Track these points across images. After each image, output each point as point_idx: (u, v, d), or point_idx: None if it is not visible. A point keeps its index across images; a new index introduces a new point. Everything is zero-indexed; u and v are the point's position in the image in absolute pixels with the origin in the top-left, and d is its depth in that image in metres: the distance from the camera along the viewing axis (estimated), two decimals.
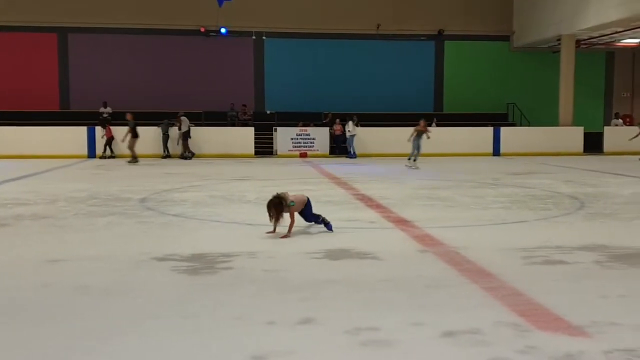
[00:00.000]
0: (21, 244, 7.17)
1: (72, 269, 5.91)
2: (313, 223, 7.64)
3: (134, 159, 20.21)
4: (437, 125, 24.70)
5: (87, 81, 26.54)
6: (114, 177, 15.08)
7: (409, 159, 18.26)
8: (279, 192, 7.27)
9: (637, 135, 21.33)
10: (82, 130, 22.72)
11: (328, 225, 7.59)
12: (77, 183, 13.65)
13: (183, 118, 22.20)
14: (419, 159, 18.58)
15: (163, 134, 22.62)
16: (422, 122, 18.58)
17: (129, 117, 20.61)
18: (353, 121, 23.24)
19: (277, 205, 7.09)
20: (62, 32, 26.67)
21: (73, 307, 4.70)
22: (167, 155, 22.62)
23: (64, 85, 26.89)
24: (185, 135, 22.14)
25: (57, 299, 4.92)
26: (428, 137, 18.64)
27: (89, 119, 24.18)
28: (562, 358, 3.63)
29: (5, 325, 4.31)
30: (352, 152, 23.01)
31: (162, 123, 22.67)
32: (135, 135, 20.39)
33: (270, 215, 7.14)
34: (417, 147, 18.18)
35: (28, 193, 11.76)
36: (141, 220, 8.65)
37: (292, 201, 7.22)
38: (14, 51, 26.30)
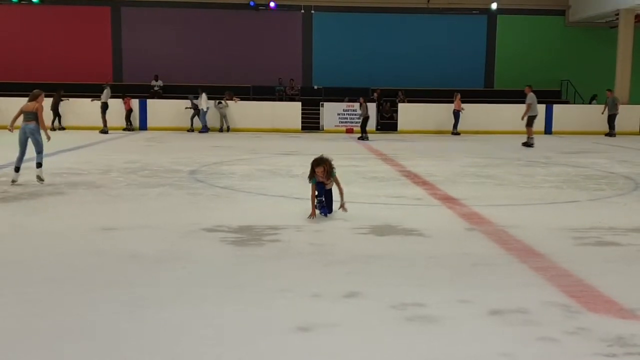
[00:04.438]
0: (76, 212, 7.41)
1: (124, 238, 6.08)
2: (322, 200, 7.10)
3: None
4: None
5: (139, 54, 26.96)
6: (165, 149, 15.36)
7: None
8: (325, 156, 6.95)
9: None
10: (134, 103, 23.13)
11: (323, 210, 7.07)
12: (129, 154, 13.97)
13: (106, 90, 21.66)
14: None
15: (193, 108, 22.63)
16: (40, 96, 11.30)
17: None
18: (206, 95, 22.30)
19: (329, 165, 6.81)
20: (115, 6, 27.10)
21: (124, 275, 4.85)
22: (192, 130, 22.57)
23: (117, 58, 27.39)
24: (104, 107, 21.49)
25: (109, 267, 5.08)
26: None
27: (141, 92, 24.62)
28: (613, 340, 3.56)
29: (59, 290, 4.48)
30: (205, 127, 22.19)
31: (188, 97, 22.68)
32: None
33: (316, 171, 6.75)
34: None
35: (82, 163, 12.11)
36: (191, 192, 8.81)
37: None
38: (68, 24, 26.89)
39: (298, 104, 23.97)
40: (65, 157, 13.49)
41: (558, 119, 23.51)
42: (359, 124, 20.37)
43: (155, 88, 25.51)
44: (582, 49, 28.10)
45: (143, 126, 23.08)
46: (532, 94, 17.94)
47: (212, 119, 22.94)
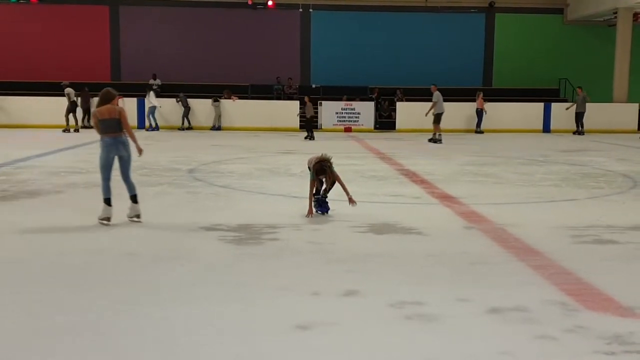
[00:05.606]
0: (75, 211, 7.40)
1: (123, 236, 6.08)
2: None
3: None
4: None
5: (137, 53, 26.90)
6: (163, 148, 15.34)
7: None
8: (325, 154, 6.97)
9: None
10: (132, 102, 23.10)
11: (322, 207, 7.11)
12: None
13: (68, 89, 21.25)
14: None
15: (184, 107, 22.57)
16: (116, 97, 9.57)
17: None
18: (154, 92, 22.31)
19: (330, 167, 6.82)
20: (114, 5, 27.05)
21: (123, 274, 4.85)
22: (189, 128, 22.58)
23: (115, 57, 27.33)
24: (72, 106, 21.13)
25: (108, 266, 5.08)
26: None
27: (139, 91, 24.57)
28: (611, 338, 3.56)
29: (58, 289, 4.48)
30: (153, 125, 22.06)
31: (179, 96, 22.66)
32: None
33: (320, 179, 6.87)
34: None
35: (81, 162, 12.09)
36: (190, 191, 8.81)
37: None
38: (67, 23, 26.81)
39: (296, 103, 23.94)
40: (63, 155, 13.48)
41: (556, 118, 23.51)
42: (304, 124, 19.93)
43: (154, 87, 25.47)
44: (581, 47, 28.10)
45: (141, 125, 23.05)
46: (437, 92, 18.55)
47: (209, 118, 22.98)
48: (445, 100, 23.76)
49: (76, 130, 20.89)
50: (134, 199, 6.65)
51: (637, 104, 24.08)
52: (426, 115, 18.84)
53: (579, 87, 22.94)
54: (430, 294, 4.35)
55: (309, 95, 20.43)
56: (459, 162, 13.04)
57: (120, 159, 6.61)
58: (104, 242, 5.85)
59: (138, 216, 6.66)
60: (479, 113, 22.64)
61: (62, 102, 22.72)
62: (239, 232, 6.21)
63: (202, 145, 16.52)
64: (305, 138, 19.22)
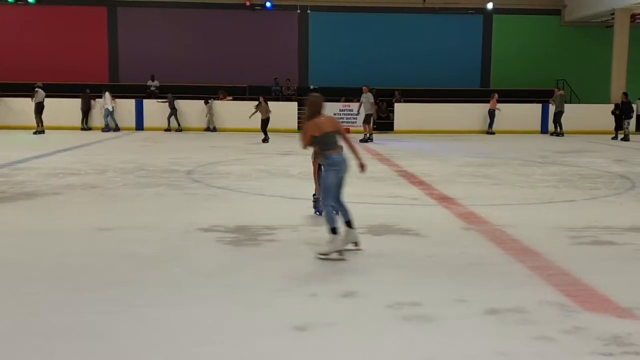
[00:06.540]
0: (73, 212, 7.40)
1: (120, 238, 6.07)
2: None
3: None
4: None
5: (135, 54, 26.88)
6: (161, 149, 15.34)
7: None
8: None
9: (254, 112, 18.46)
10: (131, 103, 23.10)
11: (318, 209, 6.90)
12: (125, 154, 13.94)
13: (38, 90, 21.01)
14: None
15: (170, 108, 22.48)
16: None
17: None
18: (110, 93, 22.21)
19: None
20: (112, 6, 27.04)
21: (121, 275, 4.84)
22: (168, 129, 22.41)
23: (113, 58, 27.31)
24: (39, 107, 20.78)
25: (105, 267, 5.07)
26: None
27: (137, 92, 24.57)
28: (610, 339, 3.57)
29: (56, 290, 4.47)
30: (112, 127, 21.95)
31: (166, 97, 22.65)
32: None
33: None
34: None
35: (78, 163, 12.08)
36: (187, 192, 8.80)
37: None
38: (65, 24, 26.79)
39: (294, 104, 23.95)
40: (61, 157, 13.46)
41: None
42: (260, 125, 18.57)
43: (152, 88, 25.46)
44: (578, 48, 28.15)
45: (139, 126, 23.05)
46: (369, 94, 19.47)
47: (199, 119, 23.02)
48: (444, 101, 23.94)
49: (40, 132, 20.44)
50: (349, 224, 5.54)
51: (634, 106, 24.10)
52: (357, 112, 20.47)
53: (557, 87, 23.15)
54: (429, 294, 4.35)
55: (265, 95, 19.96)
56: (457, 163, 13.05)
57: (341, 180, 5.53)
58: (101, 243, 5.85)
59: (356, 244, 5.59)
60: (491, 114, 22.79)
61: (61, 103, 22.76)
62: (237, 233, 6.21)
63: (200, 146, 16.51)
64: (263, 140, 17.92)
